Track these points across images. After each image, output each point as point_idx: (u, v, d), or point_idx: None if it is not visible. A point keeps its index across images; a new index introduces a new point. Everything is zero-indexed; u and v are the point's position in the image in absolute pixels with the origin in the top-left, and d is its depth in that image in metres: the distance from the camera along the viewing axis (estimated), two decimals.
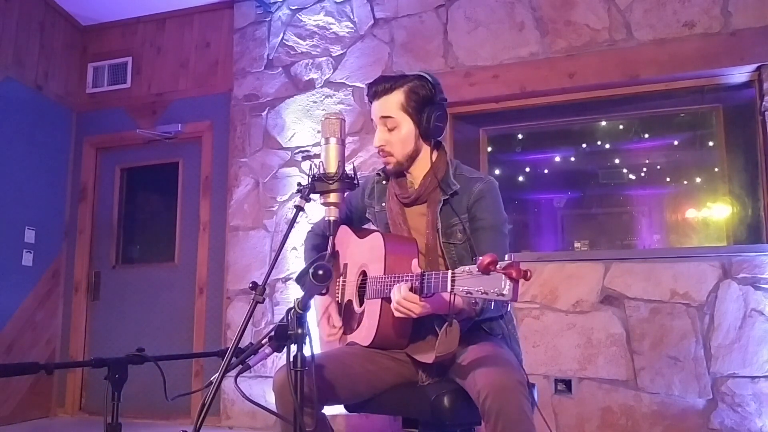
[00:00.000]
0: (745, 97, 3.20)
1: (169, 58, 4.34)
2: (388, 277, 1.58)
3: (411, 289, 1.43)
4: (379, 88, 1.72)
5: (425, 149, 1.76)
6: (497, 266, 1.19)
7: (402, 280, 1.48)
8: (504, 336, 1.72)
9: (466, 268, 1.29)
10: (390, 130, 1.71)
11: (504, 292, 1.19)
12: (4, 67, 3.92)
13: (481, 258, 1.21)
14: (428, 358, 1.57)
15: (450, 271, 1.33)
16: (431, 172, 1.75)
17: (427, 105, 1.70)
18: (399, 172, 1.79)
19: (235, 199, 3.97)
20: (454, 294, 1.32)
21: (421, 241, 1.73)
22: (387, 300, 1.58)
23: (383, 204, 1.84)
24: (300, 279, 1.90)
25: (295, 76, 3.96)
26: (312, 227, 2.05)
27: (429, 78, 1.73)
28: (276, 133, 3.94)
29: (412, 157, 1.75)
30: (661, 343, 3.00)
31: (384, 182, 1.87)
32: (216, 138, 4.12)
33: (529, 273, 1.19)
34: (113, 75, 4.44)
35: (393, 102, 1.71)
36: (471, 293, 1.25)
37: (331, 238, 1.51)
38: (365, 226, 1.99)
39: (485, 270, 1.20)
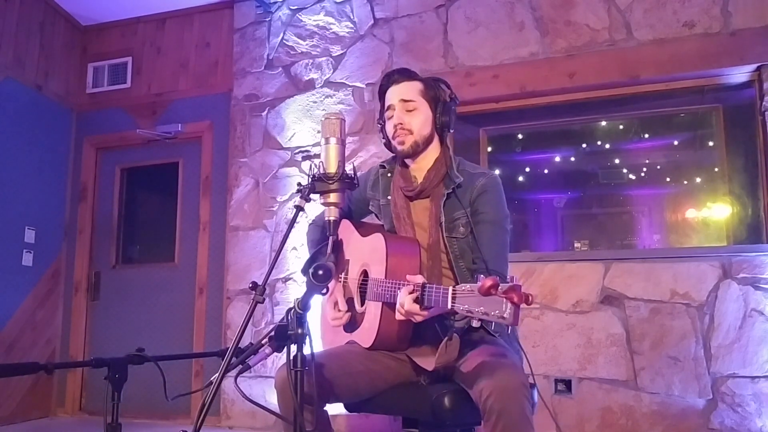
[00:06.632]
0: (745, 97, 3.20)
1: (169, 58, 4.34)
2: (389, 282, 1.58)
3: (414, 300, 1.43)
4: (401, 76, 1.82)
5: (436, 140, 1.82)
6: (498, 290, 1.19)
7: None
8: (502, 333, 1.71)
9: (467, 286, 1.29)
10: (409, 111, 1.77)
11: (505, 315, 1.19)
12: (4, 67, 3.92)
13: (482, 280, 1.21)
14: (428, 364, 1.58)
15: (451, 288, 1.33)
16: (435, 165, 1.78)
17: (441, 99, 1.80)
18: (413, 154, 1.79)
19: (235, 199, 3.97)
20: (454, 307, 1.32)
21: (424, 236, 1.73)
22: (388, 305, 1.58)
23: (389, 197, 1.84)
24: (306, 270, 1.88)
25: (295, 76, 3.96)
26: (314, 219, 2.01)
27: (444, 80, 1.84)
28: (276, 133, 3.94)
29: (427, 142, 1.79)
30: (661, 343, 3.00)
31: (389, 175, 1.88)
32: (216, 138, 4.12)
33: (531, 298, 1.19)
34: (113, 75, 4.44)
35: (414, 87, 1.79)
36: (472, 312, 1.25)
37: (331, 238, 1.50)
38: (366, 220, 1.98)
39: (486, 293, 1.20)
